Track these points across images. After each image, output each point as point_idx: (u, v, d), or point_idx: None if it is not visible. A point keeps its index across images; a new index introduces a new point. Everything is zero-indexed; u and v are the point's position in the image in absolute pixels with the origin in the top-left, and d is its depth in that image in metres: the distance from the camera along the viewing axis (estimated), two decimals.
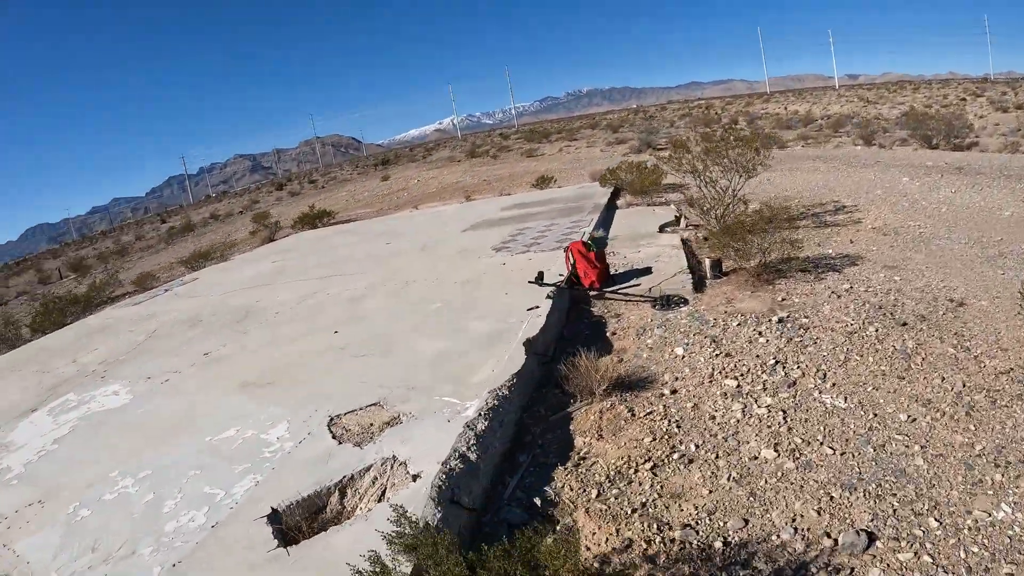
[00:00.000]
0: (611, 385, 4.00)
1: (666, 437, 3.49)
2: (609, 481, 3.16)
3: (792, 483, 2.98)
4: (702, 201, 8.11)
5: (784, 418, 3.55)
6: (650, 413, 3.78)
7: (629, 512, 2.90)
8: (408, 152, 69.10)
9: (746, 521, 2.77)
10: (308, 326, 6.39)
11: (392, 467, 3.11)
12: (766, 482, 3.01)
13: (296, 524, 2.94)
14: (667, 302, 5.65)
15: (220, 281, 10.90)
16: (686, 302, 5.66)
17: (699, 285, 6.06)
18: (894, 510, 2.71)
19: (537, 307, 5.31)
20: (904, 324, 4.64)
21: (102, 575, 2.84)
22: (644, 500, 2.98)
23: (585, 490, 3.12)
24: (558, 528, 2.85)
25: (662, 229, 8.71)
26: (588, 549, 2.70)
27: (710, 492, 2.99)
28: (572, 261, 6.22)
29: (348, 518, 2.92)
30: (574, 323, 5.58)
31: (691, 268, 6.38)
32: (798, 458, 3.17)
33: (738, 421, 3.58)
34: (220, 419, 4.33)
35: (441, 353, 4.73)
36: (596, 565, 2.53)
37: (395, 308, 6.41)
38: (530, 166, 25.23)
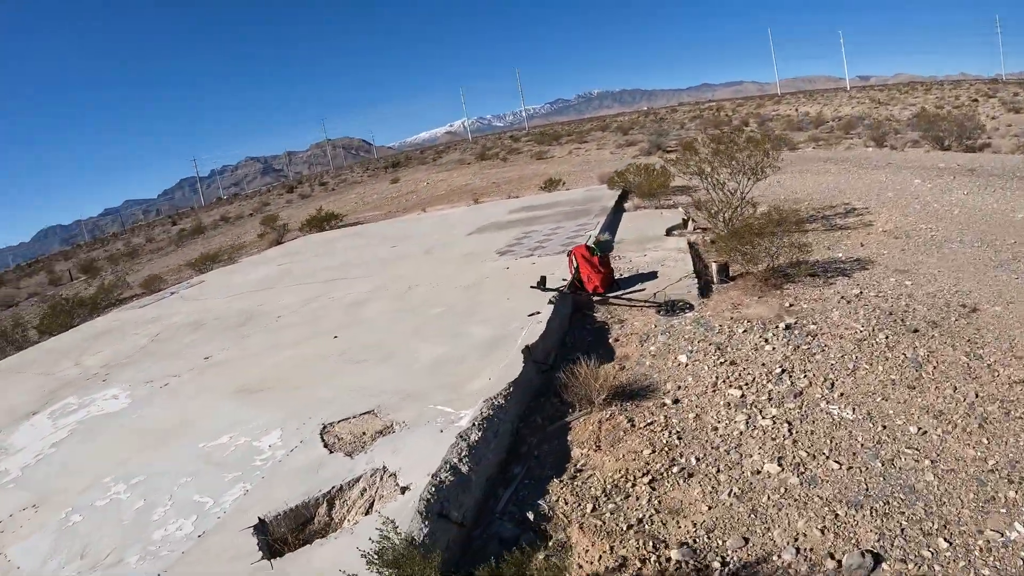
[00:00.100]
0: (611, 394, 3.90)
1: (666, 449, 3.38)
2: (605, 495, 3.05)
3: (796, 499, 2.86)
4: (710, 204, 7.99)
5: (789, 430, 3.42)
6: (651, 424, 3.66)
7: (625, 528, 2.80)
8: (419, 154, 69.30)
9: (746, 540, 2.65)
10: (309, 330, 6.34)
11: (381, 478, 3.02)
12: (768, 498, 2.89)
13: (282, 536, 2.87)
14: (672, 308, 5.54)
15: (226, 284, 10.90)
16: (691, 308, 5.54)
17: (705, 290, 5.95)
18: (902, 529, 2.59)
19: (538, 313, 5.21)
20: (915, 331, 4.50)
21: None
22: (641, 516, 2.87)
23: (580, 504, 3.02)
24: (551, 544, 2.75)
25: (669, 232, 8.59)
26: (580, 567, 2.60)
27: (710, 508, 2.87)
28: (575, 265, 6.12)
29: (335, 530, 2.84)
30: (577, 329, 5.48)
31: (697, 272, 6.27)
32: (802, 473, 3.04)
33: (741, 433, 3.46)
34: (215, 425, 4.29)
35: (439, 359, 4.65)
36: None
37: (397, 313, 6.34)
38: (539, 168, 25.16)
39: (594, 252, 6.09)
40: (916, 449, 3.12)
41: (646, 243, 7.94)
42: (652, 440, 3.47)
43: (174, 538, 3.00)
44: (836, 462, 3.09)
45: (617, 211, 11.23)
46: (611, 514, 2.91)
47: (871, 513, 2.70)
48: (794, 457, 3.17)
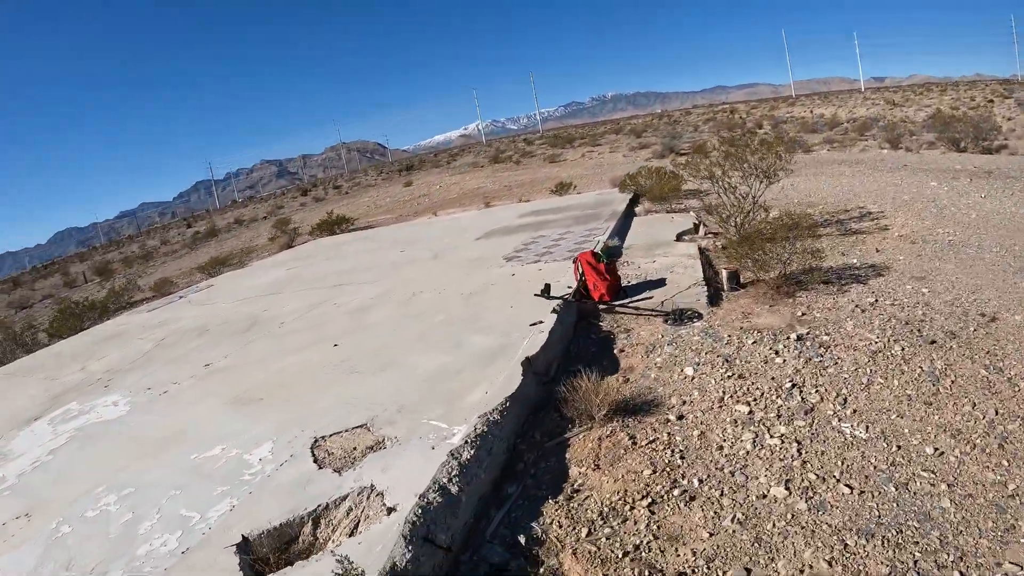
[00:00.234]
0: (613, 409, 3.75)
1: (668, 469, 3.22)
2: (602, 519, 2.90)
3: (803, 527, 2.69)
4: (721, 208, 7.81)
5: (798, 450, 3.26)
6: (653, 441, 3.50)
7: (620, 556, 2.64)
8: (432, 157, 69.51)
9: (748, 571, 2.49)
10: (311, 337, 6.26)
11: (368, 498, 2.91)
12: (774, 525, 2.73)
13: (264, 555, 2.77)
14: (680, 317, 5.38)
15: (234, 288, 10.89)
16: (700, 317, 5.38)
17: (715, 298, 5.78)
18: (915, 561, 2.42)
19: (541, 322, 5.08)
20: (932, 342, 4.31)
21: None
22: (638, 542, 2.71)
23: (575, 528, 2.87)
24: (542, 571, 2.61)
25: (679, 237, 8.42)
26: None
27: (711, 535, 2.71)
28: (581, 273, 5.98)
29: (319, 551, 2.73)
30: (582, 338, 5.33)
31: (707, 279, 6.10)
32: (811, 497, 2.87)
33: (747, 453, 3.29)
34: (208, 436, 4.22)
35: (438, 370, 4.53)
36: None
37: (399, 320, 6.24)
38: (552, 172, 25.04)
39: (600, 259, 5.94)
40: (932, 472, 2.95)
41: (655, 249, 7.78)
42: (653, 459, 3.32)
43: (158, 554, 2.94)
44: (847, 486, 2.92)
45: (627, 215, 11.07)
46: (607, 539, 2.76)
47: (883, 543, 2.53)
48: (803, 480, 3.01)
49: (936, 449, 3.12)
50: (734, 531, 2.72)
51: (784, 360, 4.32)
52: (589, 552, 2.69)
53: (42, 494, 3.94)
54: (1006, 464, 2.93)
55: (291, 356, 5.74)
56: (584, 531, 2.84)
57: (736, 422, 3.61)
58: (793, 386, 3.94)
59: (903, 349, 4.25)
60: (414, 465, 3.11)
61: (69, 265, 43.85)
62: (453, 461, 3.03)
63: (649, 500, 2.99)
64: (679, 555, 2.63)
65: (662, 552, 2.65)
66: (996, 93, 45.84)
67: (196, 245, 31.52)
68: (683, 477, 3.16)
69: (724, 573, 2.50)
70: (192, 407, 4.93)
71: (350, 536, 2.72)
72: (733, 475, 3.12)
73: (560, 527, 2.90)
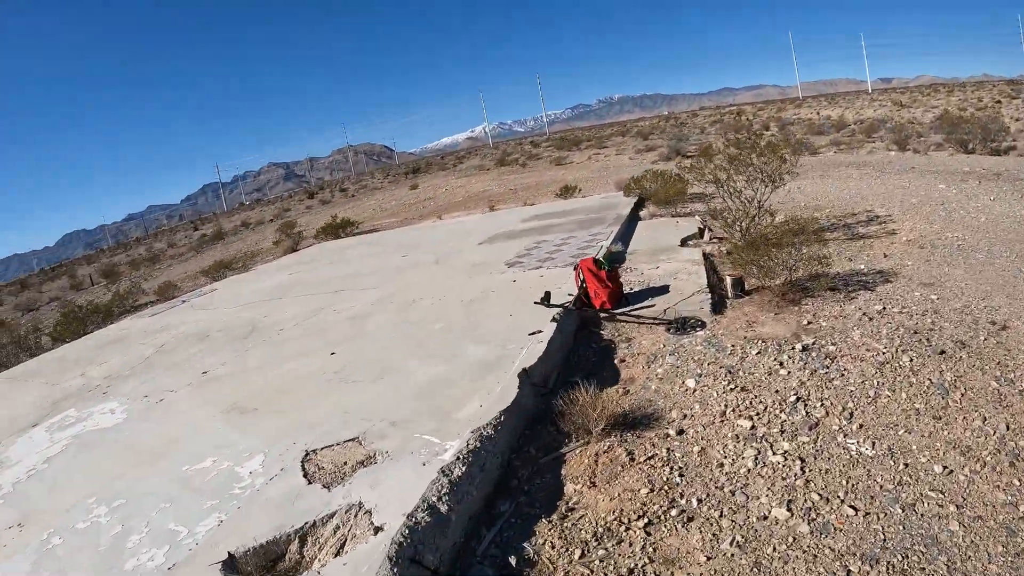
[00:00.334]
0: (611, 423, 3.65)
1: (666, 488, 3.12)
2: (596, 539, 2.81)
3: (804, 551, 2.59)
4: (726, 213, 7.69)
5: (802, 468, 3.15)
6: (651, 458, 3.40)
7: None
8: (439, 160, 69.57)
9: None
10: (308, 344, 6.21)
11: (356, 516, 2.83)
12: (774, 549, 2.62)
13: (249, 573, 2.70)
14: (683, 325, 5.28)
15: (236, 293, 10.87)
16: (703, 325, 5.27)
17: (719, 306, 5.67)
18: None
19: (540, 331, 4.99)
20: (942, 352, 4.19)
21: None
22: (632, 565, 2.62)
23: (568, 549, 2.78)
24: None
25: (684, 242, 8.31)
26: None
27: (708, 559, 2.61)
28: (582, 280, 5.88)
29: (305, 570, 2.66)
30: (582, 347, 5.24)
31: (711, 286, 5.99)
32: (814, 519, 2.77)
33: (749, 471, 3.18)
34: (201, 447, 4.16)
35: (433, 381, 4.45)
36: None
37: (398, 327, 6.17)
38: (557, 174, 24.95)
39: (601, 266, 5.85)
40: (941, 492, 2.84)
41: (659, 254, 7.68)
42: (651, 477, 3.22)
43: (145, 569, 2.89)
44: (852, 507, 2.81)
45: (632, 220, 10.96)
46: (600, 562, 2.67)
47: (887, 570, 2.42)
48: (805, 500, 2.90)
49: (945, 467, 3.01)
50: (732, 555, 2.62)
51: (789, 372, 4.21)
52: (582, 575, 2.60)
53: (35, 504, 3.91)
54: (1017, 483, 2.82)
55: (288, 363, 5.68)
56: (577, 552, 2.75)
57: (738, 438, 3.51)
58: (797, 399, 3.83)
59: (911, 360, 4.14)
60: (404, 482, 3.03)
61: (76, 267, 44.14)
62: (444, 479, 2.94)
63: (646, 520, 2.89)
64: None
65: None
66: (1003, 93, 45.44)
67: (202, 248, 31.65)
68: (681, 496, 3.06)
69: None
70: (187, 416, 4.87)
71: (336, 556, 2.64)
72: (733, 495, 3.02)
73: (553, 548, 2.81)
